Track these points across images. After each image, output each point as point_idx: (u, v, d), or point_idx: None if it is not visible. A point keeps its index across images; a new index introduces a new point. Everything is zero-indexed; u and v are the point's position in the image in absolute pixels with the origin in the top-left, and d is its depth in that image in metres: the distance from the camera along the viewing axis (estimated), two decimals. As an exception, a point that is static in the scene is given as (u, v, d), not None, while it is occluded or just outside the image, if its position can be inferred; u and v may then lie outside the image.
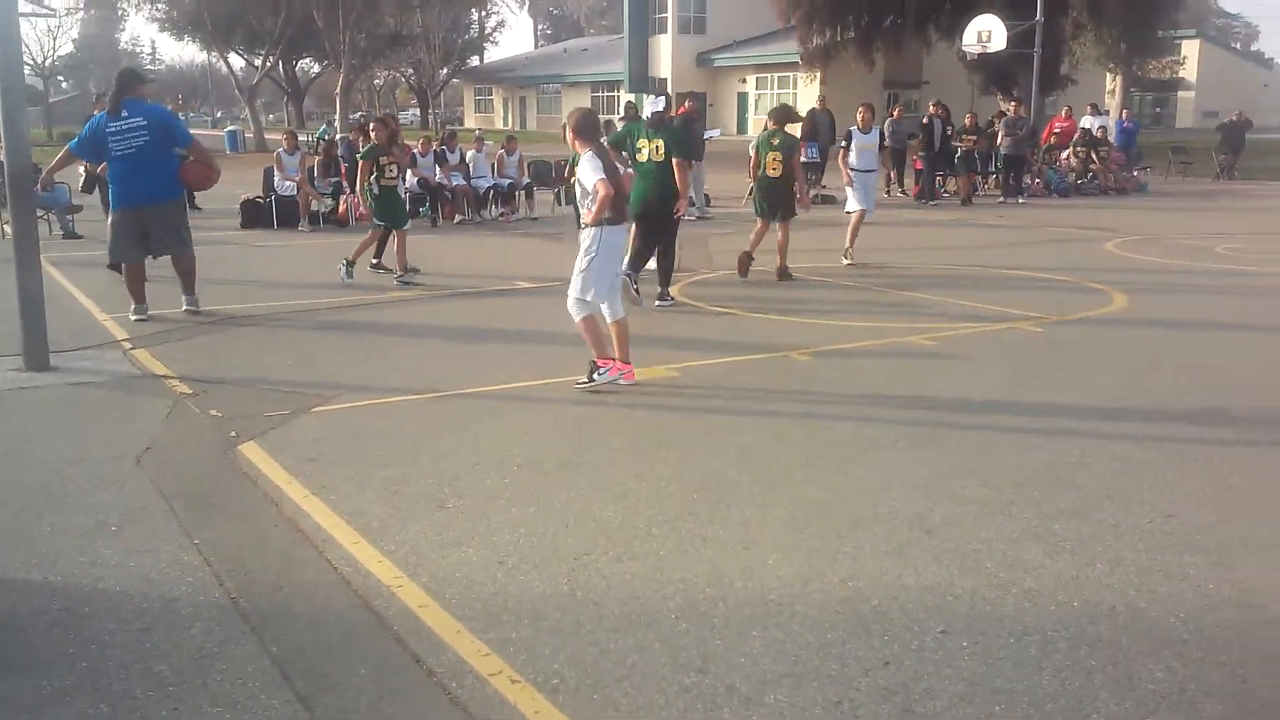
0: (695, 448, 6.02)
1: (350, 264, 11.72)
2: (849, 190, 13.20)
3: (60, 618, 4.04)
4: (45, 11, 39.08)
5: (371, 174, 11.72)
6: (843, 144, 13.30)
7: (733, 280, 11.88)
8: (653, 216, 10.06)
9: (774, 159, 11.40)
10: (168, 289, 10.09)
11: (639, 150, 10.09)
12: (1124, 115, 28.91)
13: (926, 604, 4.09)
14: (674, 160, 9.80)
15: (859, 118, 13.32)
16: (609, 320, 7.35)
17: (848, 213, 13.26)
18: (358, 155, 12.16)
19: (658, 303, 10.26)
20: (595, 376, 7.25)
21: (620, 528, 4.86)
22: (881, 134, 13.65)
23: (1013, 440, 6.15)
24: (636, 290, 9.76)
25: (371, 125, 12.09)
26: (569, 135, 7.26)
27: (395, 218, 12.01)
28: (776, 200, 11.65)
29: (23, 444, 6.14)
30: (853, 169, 12.99)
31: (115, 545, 4.70)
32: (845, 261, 12.89)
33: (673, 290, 10.56)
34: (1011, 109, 23.11)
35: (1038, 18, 28.05)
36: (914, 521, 4.91)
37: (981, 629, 3.90)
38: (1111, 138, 25.28)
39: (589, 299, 7.29)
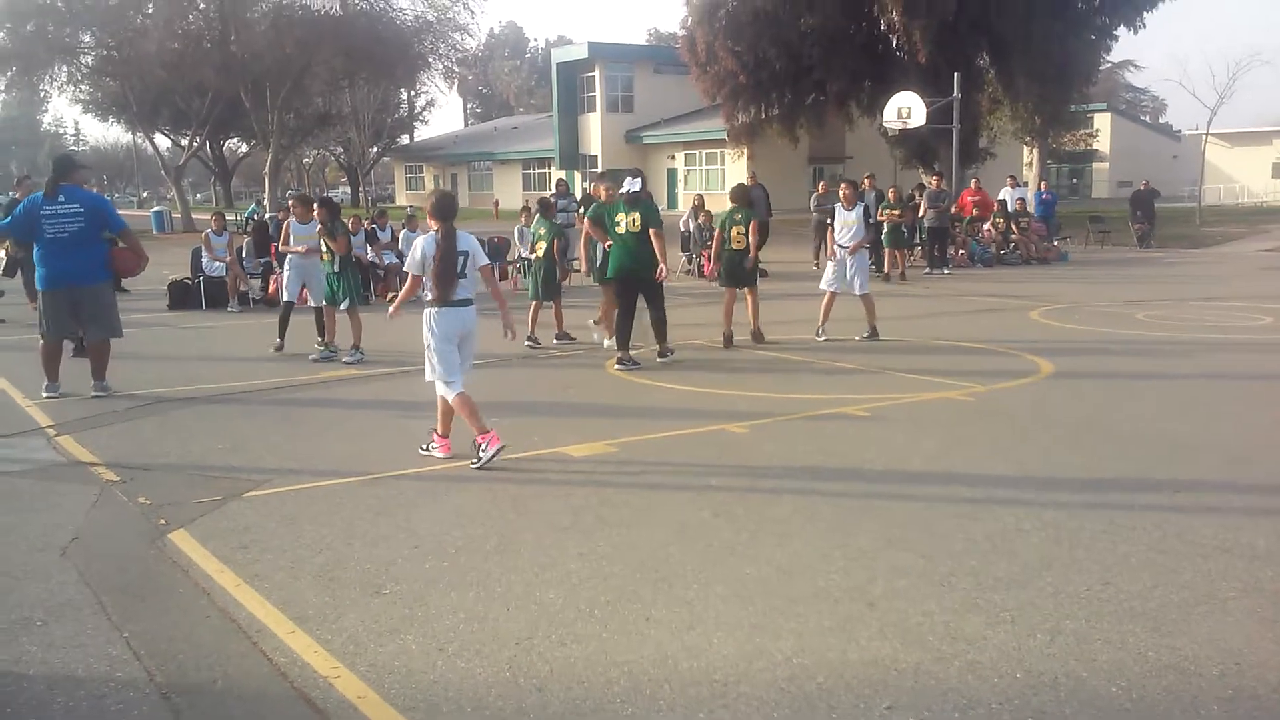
0: (636, 525, 6.00)
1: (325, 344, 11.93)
2: (829, 266, 13.38)
3: (-20, 721, 3.88)
4: (-34, 93, 38.53)
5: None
6: (828, 221, 13.59)
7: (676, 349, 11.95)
8: (635, 280, 11.37)
9: (738, 233, 12.38)
10: (82, 372, 9.89)
11: (617, 224, 11.36)
12: (1042, 186, 29.84)
13: (871, 679, 4.09)
14: (650, 230, 11.19)
15: (842, 194, 13.46)
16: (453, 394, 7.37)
17: (821, 290, 13.33)
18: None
19: (659, 359, 11.43)
20: (482, 454, 7.21)
21: (562, 609, 4.81)
22: (866, 210, 13.82)
23: (948, 509, 6.21)
24: (634, 363, 11.10)
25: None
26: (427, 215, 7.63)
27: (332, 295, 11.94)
28: (740, 270, 12.55)
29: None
30: (838, 245, 13.15)
31: (40, 641, 4.54)
32: (820, 338, 12.92)
33: (608, 363, 10.63)
34: (933, 182, 23.70)
35: (955, 94, 28.92)
36: (855, 595, 4.92)
37: (927, 704, 3.90)
38: (1031, 209, 26.00)
39: (448, 378, 7.38)
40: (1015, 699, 3.93)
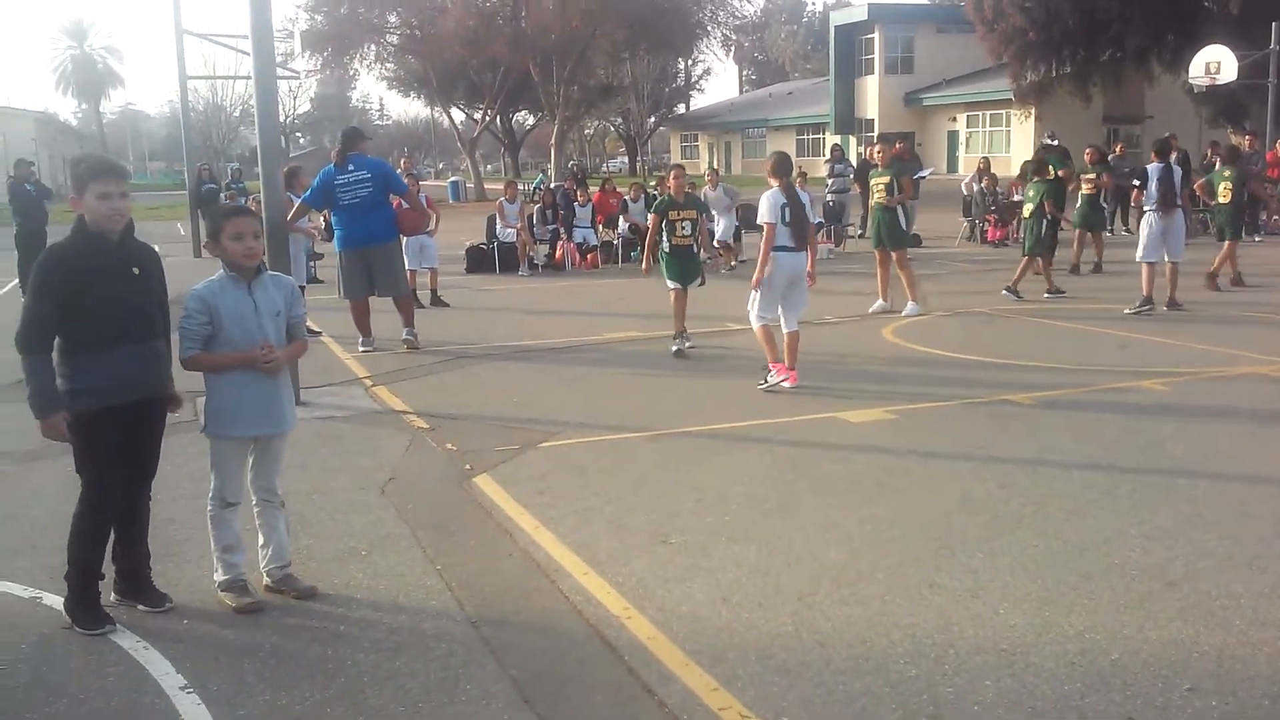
0: (917, 492, 5.96)
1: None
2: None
3: (320, 635, 4.35)
4: (289, 74, 42.08)
5: (660, 230, 10.27)
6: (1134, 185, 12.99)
7: (942, 321, 11.68)
8: None
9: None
10: (396, 329, 10.72)
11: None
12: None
13: (1170, 660, 3.93)
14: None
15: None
16: (785, 331, 8.69)
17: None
18: (652, 211, 11.12)
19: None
20: (768, 379, 8.59)
21: (844, 570, 4.86)
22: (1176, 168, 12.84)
23: (1257, 490, 5.82)
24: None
25: (672, 173, 10.76)
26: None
27: (683, 277, 10.28)
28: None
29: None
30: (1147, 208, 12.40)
31: (365, 569, 5.02)
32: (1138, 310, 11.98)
33: (886, 329, 10.49)
34: (1246, 142, 21.84)
35: (1272, 46, 26.48)
36: (1153, 573, 4.72)
37: (1232, 689, 3.72)
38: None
39: (761, 314, 8.76)
40: (1334, 691, 3.68)
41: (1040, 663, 3.93)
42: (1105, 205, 17.57)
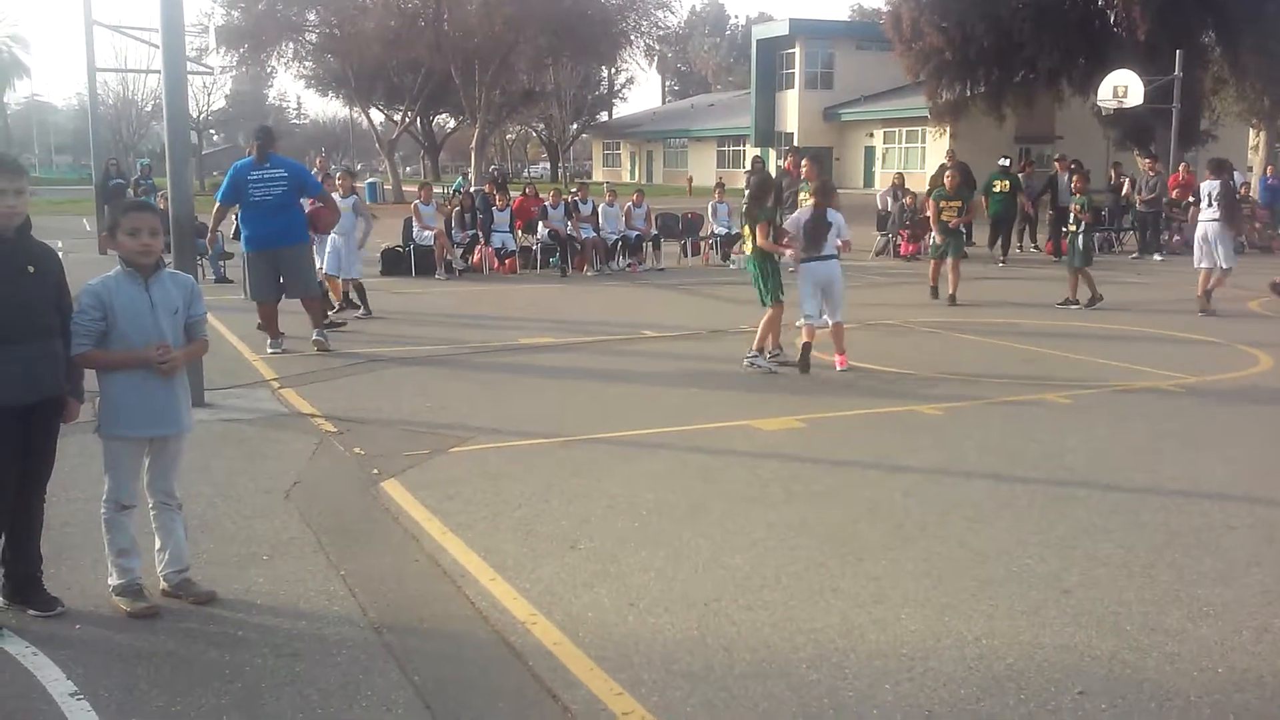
0: (824, 500, 6.03)
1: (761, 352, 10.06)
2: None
3: (217, 640, 4.26)
4: (204, 69, 41.24)
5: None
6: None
7: (855, 333, 11.86)
8: None
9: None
10: (306, 331, 10.55)
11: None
12: (1268, 172, 27.93)
13: (1064, 664, 4.03)
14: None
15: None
16: (830, 323, 9.88)
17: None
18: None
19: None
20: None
21: (749, 576, 4.90)
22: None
23: (1152, 501, 6.00)
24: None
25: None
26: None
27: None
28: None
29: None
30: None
31: (267, 574, 4.93)
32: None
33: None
34: (1147, 165, 22.54)
35: (1176, 73, 27.38)
36: (1050, 581, 4.83)
37: (1121, 692, 3.82)
38: (1255, 195, 24.43)
39: (805, 313, 9.78)
40: (1216, 694, 3.80)
41: (939, 667, 4.00)
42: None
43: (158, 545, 4.66)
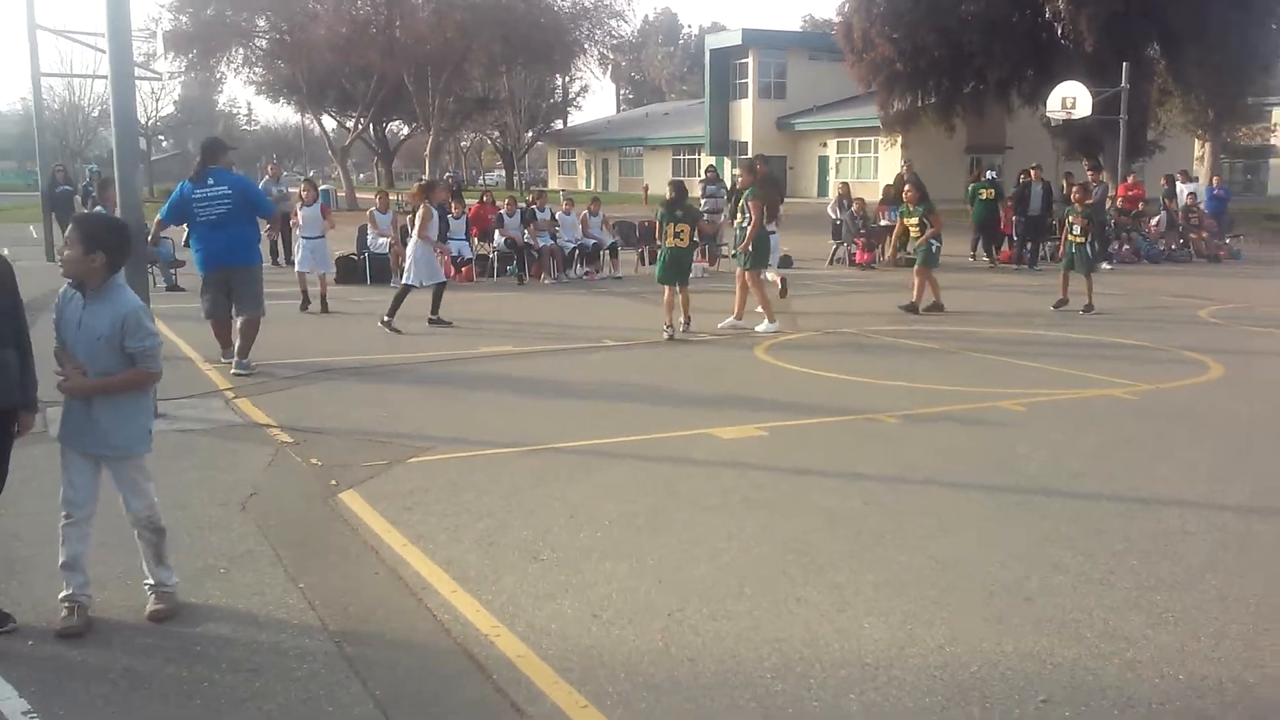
0: (784, 509, 6.03)
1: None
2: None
3: (175, 656, 4.17)
4: (151, 75, 40.66)
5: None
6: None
7: (813, 341, 11.93)
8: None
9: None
10: (267, 341, 10.40)
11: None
12: (1215, 182, 28.46)
13: (1027, 672, 4.05)
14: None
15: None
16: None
17: None
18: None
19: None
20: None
21: (713, 586, 4.89)
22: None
23: (1109, 508, 6.06)
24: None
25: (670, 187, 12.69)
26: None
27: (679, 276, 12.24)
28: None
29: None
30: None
31: (224, 587, 4.85)
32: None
33: (758, 348, 10.65)
34: (1090, 175, 22.91)
35: (1123, 84, 27.84)
36: (1011, 589, 4.87)
37: (1084, 699, 3.85)
38: (1202, 205, 24.89)
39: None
40: (1176, 700, 3.84)
41: (903, 676, 4.01)
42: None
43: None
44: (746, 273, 12.69)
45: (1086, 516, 5.92)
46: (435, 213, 13.54)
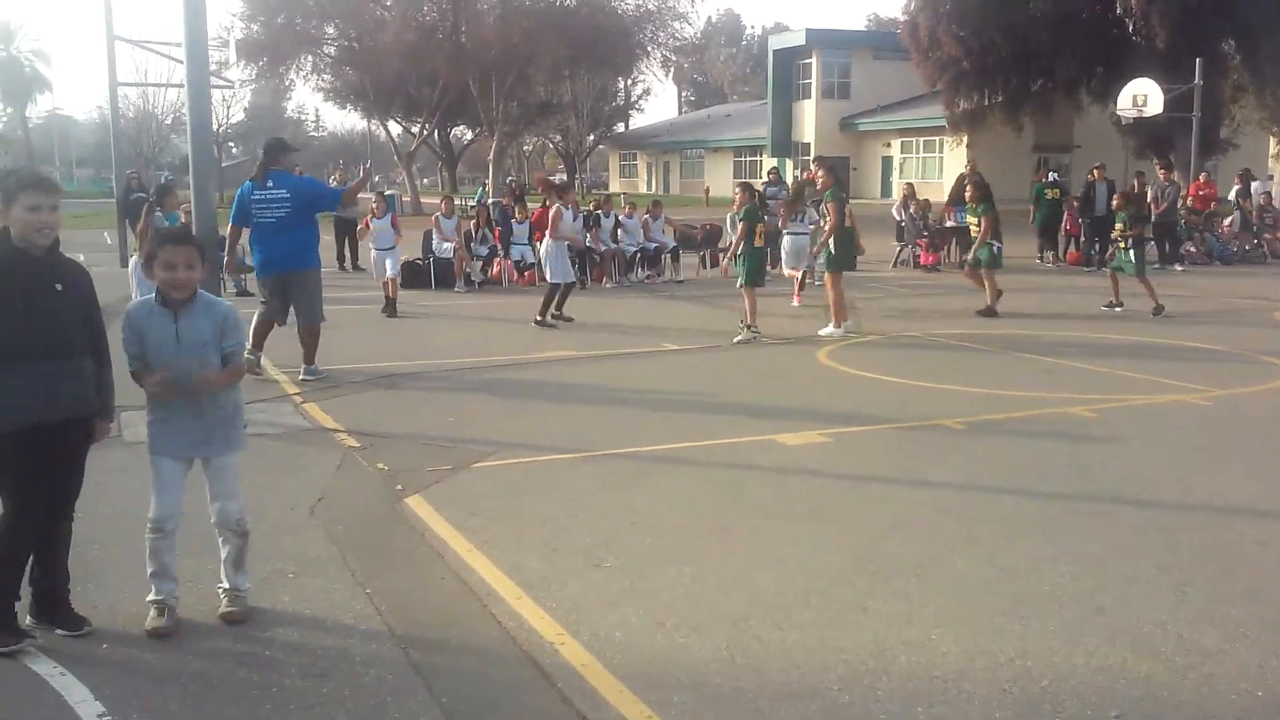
0: (850, 517, 5.98)
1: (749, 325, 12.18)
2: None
3: (246, 659, 4.24)
4: (224, 83, 41.47)
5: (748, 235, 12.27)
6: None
7: (876, 345, 11.82)
8: None
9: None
10: (327, 346, 10.54)
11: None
12: (1291, 180, 27.74)
13: (1099, 686, 3.97)
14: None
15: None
16: None
17: None
18: (737, 217, 12.81)
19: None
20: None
21: (778, 594, 4.86)
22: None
23: (1183, 518, 5.93)
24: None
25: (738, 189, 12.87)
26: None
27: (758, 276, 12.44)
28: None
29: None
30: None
31: (293, 591, 4.92)
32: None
33: (820, 353, 10.58)
34: (1162, 175, 22.46)
35: (1196, 81, 27.26)
36: (1083, 600, 4.78)
37: (1159, 715, 3.77)
38: (1277, 204, 24.27)
39: None
40: (1255, 718, 3.74)
41: (973, 689, 3.95)
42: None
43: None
44: (828, 274, 12.64)
45: (1160, 526, 5.79)
46: (566, 213, 14.07)
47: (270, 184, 9.69)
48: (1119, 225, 14.72)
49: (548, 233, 13.46)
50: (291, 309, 9.95)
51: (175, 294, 4.44)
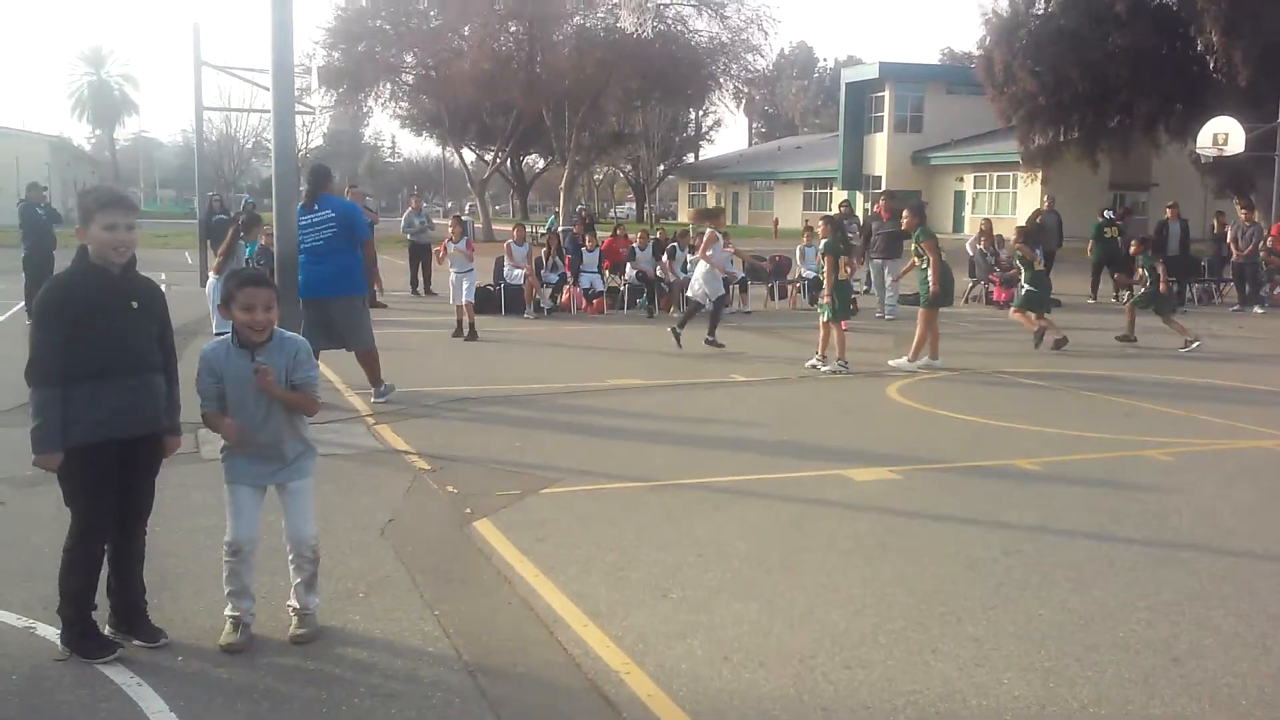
0: (921, 556, 5.91)
1: (838, 359, 12.26)
2: None
3: (315, 678, 4.30)
4: (305, 109, 42.41)
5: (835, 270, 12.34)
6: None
7: (947, 381, 11.69)
8: None
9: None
10: (398, 369, 10.68)
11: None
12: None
13: (1176, 738, 3.88)
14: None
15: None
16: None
17: None
18: (819, 250, 13.16)
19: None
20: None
21: (846, 632, 4.81)
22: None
23: (1265, 567, 5.77)
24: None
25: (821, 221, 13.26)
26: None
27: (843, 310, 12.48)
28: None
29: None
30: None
31: (363, 611, 4.98)
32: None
33: (890, 388, 10.49)
34: (1243, 215, 22.00)
35: (1279, 120, 26.71)
36: (1158, 648, 4.67)
37: (1239, 770, 3.67)
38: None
39: None
40: (1343, 778, 3.63)
41: (1044, 736, 3.88)
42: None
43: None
44: (923, 310, 12.57)
45: (1238, 575, 5.65)
46: (720, 237, 14.51)
47: (317, 207, 9.79)
48: (1140, 269, 15.05)
49: (698, 254, 14.14)
50: (338, 337, 9.88)
51: (255, 336, 4.52)
